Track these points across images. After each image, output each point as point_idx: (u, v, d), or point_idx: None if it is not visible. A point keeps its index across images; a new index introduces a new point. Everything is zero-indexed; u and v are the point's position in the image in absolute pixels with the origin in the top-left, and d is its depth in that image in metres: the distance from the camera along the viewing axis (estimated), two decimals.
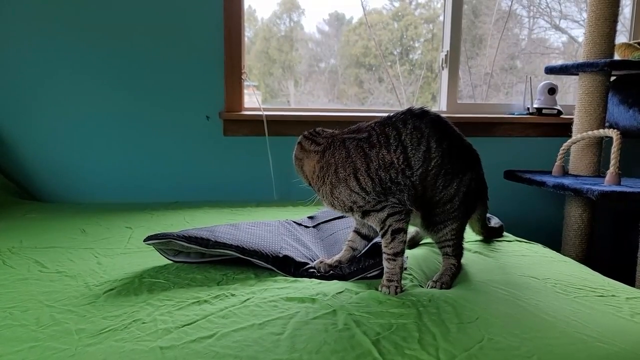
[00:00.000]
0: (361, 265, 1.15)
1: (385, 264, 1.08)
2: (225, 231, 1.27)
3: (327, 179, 1.10)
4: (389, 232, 1.07)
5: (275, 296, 1.00)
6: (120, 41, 2.14)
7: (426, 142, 1.08)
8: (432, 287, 1.10)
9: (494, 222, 1.59)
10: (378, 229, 1.10)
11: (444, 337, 0.83)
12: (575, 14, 2.85)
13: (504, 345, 0.81)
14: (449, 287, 1.11)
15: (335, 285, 1.06)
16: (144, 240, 1.22)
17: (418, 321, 0.89)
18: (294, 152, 1.17)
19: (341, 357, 0.78)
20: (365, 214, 1.10)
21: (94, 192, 2.20)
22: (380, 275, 1.12)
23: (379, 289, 1.06)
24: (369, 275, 1.14)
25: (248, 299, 0.98)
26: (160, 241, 1.21)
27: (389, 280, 1.06)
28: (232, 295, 1.01)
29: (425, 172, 1.08)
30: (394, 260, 1.07)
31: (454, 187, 1.11)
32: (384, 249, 1.08)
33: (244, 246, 1.18)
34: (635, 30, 2.69)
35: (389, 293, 1.04)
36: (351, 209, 1.10)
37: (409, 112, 1.12)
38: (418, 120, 1.10)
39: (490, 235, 1.52)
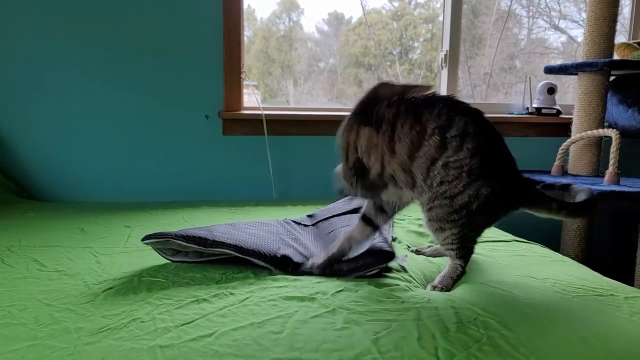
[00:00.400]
0: (360, 264, 1.15)
1: None
2: (223, 230, 1.27)
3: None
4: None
5: (274, 295, 1.00)
6: (120, 40, 2.14)
7: (421, 126, 1.06)
8: (431, 291, 1.09)
9: (580, 195, 1.24)
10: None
11: (443, 337, 0.83)
12: (574, 14, 2.86)
13: (503, 345, 0.81)
14: (448, 290, 1.10)
15: (334, 284, 1.06)
16: (142, 240, 1.22)
17: (417, 320, 0.89)
18: None
19: (340, 356, 0.77)
20: None
21: (93, 191, 2.20)
22: (379, 274, 1.12)
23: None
24: (368, 274, 1.13)
25: (247, 298, 0.98)
26: (159, 240, 1.21)
27: None
28: (231, 294, 1.01)
29: (412, 156, 1.07)
30: None
31: (459, 188, 1.06)
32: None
33: (243, 245, 1.18)
34: (634, 30, 2.69)
35: None
36: None
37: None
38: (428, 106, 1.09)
39: (584, 212, 1.27)
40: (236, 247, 1.17)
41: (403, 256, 1.27)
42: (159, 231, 1.23)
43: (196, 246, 1.18)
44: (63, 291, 1.03)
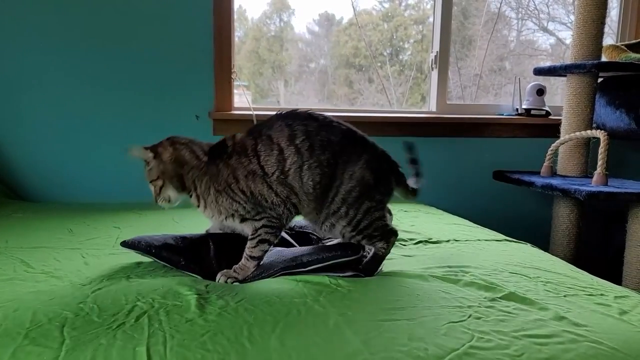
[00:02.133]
0: (322, 256, 1.15)
1: (242, 260, 1.13)
2: (195, 250, 1.25)
3: (211, 189, 1.15)
4: (257, 239, 1.13)
5: (265, 296, 0.99)
6: (109, 41, 2.12)
7: (277, 146, 1.11)
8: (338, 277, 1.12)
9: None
10: (249, 234, 1.15)
11: (434, 337, 0.83)
12: (562, 16, 2.88)
13: (493, 345, 0.82)
14: (372, 274, 1.15)
15: (327, 285, 1.06)
16: (121, 244, 1.21)
17: (409, 320, 0.89)
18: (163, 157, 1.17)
19: (330, 357, 0.77)
20: (243, 220, 1.15)
21: (82, 192, 2.18)
22: (356, 275, 1.13)
23: (217, 276, 1.11)
24: (343, 275, 1.13)
25: (238, 299, 0.97)
26: (135, 251, 1.20)
27: (235, 272, 1.12)
28: (221, 295, 1.00)
29: (283, 173, 1.11)
30: (250, 260, 1.13)
31: (325, 182, 1.11)
32: (247, 250, 1.14)
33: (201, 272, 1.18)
34: (622, 33, 2.72)
35: (225, 281, 1.10)
36: (232, 216, 1.15)
37: (267, 122, 1.15)
38: (268, 128, 1.13)
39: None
40: (201, 272, 1.17)
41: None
42: (137, 239, 1.22)
43: (167, 264, 1.18)
44: (50, 293, 1.01)
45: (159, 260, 1.18)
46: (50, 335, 0.82)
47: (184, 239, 1.25)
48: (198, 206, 1.21)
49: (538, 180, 2.05)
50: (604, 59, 2.27)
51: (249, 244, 1.14)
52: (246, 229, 1.16)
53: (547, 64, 2.55)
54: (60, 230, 1.53)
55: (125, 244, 1.21)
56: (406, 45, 2.77)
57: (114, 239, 1.45)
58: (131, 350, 0.78)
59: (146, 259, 1.23)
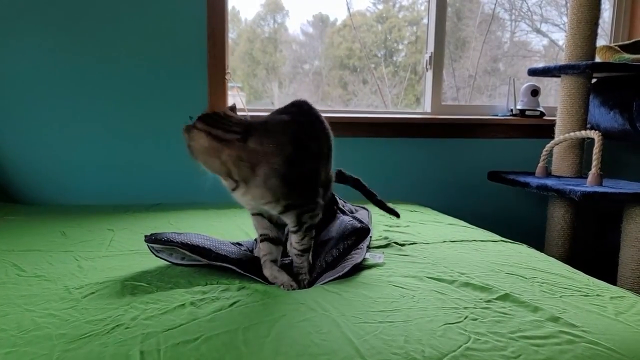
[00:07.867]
0: (341, 249, 1.17)
1: (295, 259, 1.10)
2: (222, 242, 1.24)
3: (259, 168, 1.02)
4: (303, 229, 1.08)
5: (261, 300, 0.99)
6: (102, 42, 2.11)
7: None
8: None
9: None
10: (291, 225, 1.08)
11: (430, 338, 0.83)
12: (555, 18, 2.89)
13: (490, 346, 0.81)
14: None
15: (322, 288, 1.05)
16: (146, 240, 1.18)
17: (405, 322, 0.89)
18: (195, 142, 1.07)
19: None
20: (287, 208, 1.05)
21: (75, 194, 2.16)
22: (349, 274, 1.13)
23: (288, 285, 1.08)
24: (358, 262, 1.14)
25: (233, 303, 0.97)
26: (164, 246, 1.17)
27: (299, 274, 1.10)
28: (217, 298, 0.99)
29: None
30: (303, 255, 1.10)
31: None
32: (296, 245, 1.09)
33: (243, 258, 1.16)
34: (615, 34, 2.73)
35: (299, 287, 1.07)
36: (278, 201, 1.04)
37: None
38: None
39: None
40: (239, 262, 1.15)
41: (380, 254, 1.27)
42: (163, 235, 1.19)
43: (200, 257, 1.15)
44: (43, 296, 1.00)
45: (190, 254, 1.14)
46: (42, 339, 0.81)
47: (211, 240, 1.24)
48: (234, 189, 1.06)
49: (533, 181, 2.05)
50: (597, 59, 2.27)
51: (295, 238, 1.08)
52: (287, 219, 1.07)
53: (540, 65, 2.56)
54: (53, 233, 1.52)
55: (152, 240, 1.16)
56: (400, 47, 2.77)
57: (108, 241, 1.44)
58: (124, 353, 0.77)
59: (141, 260, 1.22)
